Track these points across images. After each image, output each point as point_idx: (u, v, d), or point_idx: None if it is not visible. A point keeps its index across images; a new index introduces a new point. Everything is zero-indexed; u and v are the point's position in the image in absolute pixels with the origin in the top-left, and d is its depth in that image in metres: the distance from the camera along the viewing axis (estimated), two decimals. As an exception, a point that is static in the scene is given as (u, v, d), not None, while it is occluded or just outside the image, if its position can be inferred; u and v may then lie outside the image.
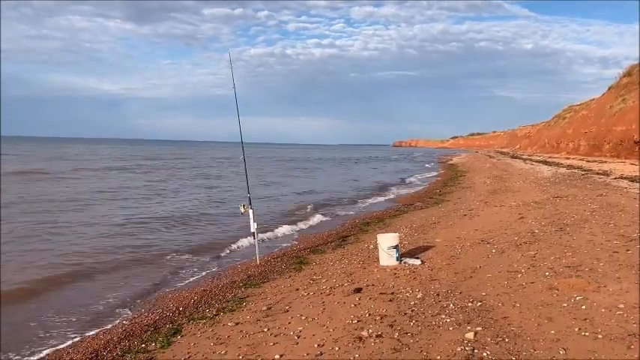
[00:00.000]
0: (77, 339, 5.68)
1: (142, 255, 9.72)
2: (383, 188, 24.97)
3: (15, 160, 41.68)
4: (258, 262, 8.63)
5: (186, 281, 8.08)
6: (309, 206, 16.82)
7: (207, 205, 17.31)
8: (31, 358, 5.26)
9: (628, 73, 40.15)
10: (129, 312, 6.59)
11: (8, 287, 7.47)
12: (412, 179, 31.49)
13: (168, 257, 9.54)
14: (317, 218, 14.46)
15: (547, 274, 6.29)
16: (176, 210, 15.86)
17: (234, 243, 10.67)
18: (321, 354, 4.37)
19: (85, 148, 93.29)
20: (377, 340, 4.55)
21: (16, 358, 5.27)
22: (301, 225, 13.33)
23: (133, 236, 11.56)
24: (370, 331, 4.78)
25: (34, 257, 9.33)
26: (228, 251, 10.19)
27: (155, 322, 5.94)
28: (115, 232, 11.99)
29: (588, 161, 30.91)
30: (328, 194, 21.56)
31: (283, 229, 12.44)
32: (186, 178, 30.06)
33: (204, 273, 8.55)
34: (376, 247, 7.81)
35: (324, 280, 6.99)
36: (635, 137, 30.41)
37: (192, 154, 76.74)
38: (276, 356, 4.41)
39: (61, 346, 5.50)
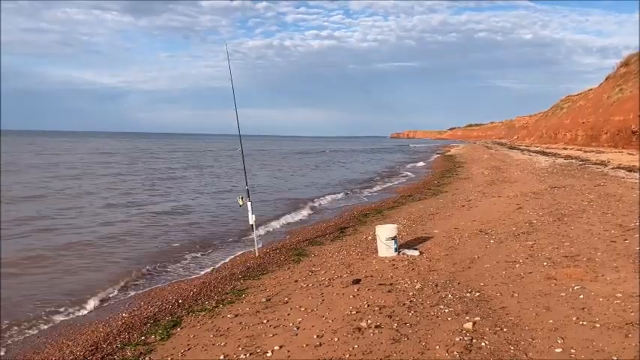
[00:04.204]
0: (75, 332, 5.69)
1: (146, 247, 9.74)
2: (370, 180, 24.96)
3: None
4: (257, 254, 8.64)
5: (186, 273, 8.09)
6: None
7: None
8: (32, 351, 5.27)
9: (625, 63, 40.10)
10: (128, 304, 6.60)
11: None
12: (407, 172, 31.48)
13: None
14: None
15: (545, 264, 6.32)
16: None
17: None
18: (321, 345, 4.39)
19: (101, 142, 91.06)
20: (376, 331, 4.56)
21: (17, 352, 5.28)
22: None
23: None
24: (369, 321, 4.80)
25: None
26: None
27: (154, 314, 5.95)
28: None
29: (586, 151, 30.96)
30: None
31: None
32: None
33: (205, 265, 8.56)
34: (374, 239, 7.82)
35: (322, 272, 7.01)
36: (632, 127, 30.43)
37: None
38: (276, 347, 4.42)
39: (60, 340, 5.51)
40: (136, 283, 7.59)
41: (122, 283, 7.47)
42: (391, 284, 6.04)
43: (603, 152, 28.59)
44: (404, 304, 5.25)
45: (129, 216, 13.35)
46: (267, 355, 4.31)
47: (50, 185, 20.08)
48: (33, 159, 36.81)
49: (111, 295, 7.02)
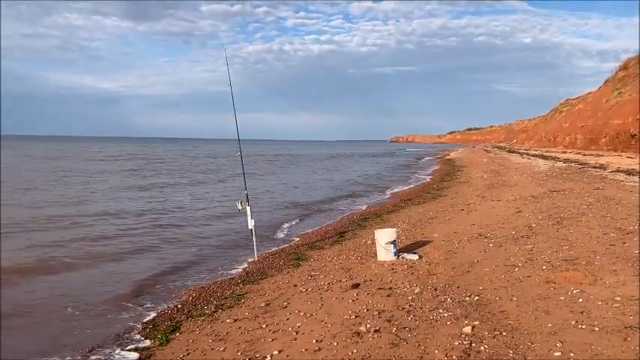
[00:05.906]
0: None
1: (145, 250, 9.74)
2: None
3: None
4: (256, 258, 8.64)
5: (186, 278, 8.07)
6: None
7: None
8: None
9: (624, 67, 40.24)
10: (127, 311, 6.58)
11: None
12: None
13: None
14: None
15: (544, 267, 6.32)
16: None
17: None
18: (320, 349, 4.38)
19: (107, 146, 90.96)
20: (375, 335, 4.56)
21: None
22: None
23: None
24: (368, 326, 4.80)
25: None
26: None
27: (154, 319, 5.94)
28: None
29: (585, 155, 31.01)
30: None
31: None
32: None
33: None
34: (374, 243, 7.82)
35: (322, 276, 7.00)
36: (631, 130, 30.50)
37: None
38: (275, 352, 4.42)
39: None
40: (135, 287, 7.57)
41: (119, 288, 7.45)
42: (390, 288, 6.04)
43: (602, 155, 28.64)
44: (403, 309, 5.26)
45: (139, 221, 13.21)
46: (267, 359, 4.31)
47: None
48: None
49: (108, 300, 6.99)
